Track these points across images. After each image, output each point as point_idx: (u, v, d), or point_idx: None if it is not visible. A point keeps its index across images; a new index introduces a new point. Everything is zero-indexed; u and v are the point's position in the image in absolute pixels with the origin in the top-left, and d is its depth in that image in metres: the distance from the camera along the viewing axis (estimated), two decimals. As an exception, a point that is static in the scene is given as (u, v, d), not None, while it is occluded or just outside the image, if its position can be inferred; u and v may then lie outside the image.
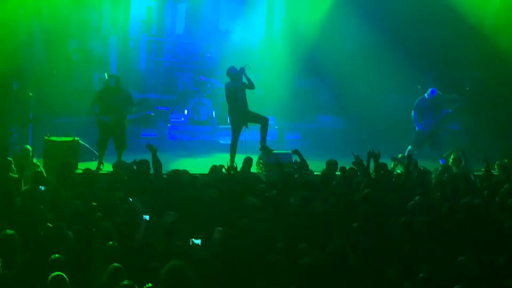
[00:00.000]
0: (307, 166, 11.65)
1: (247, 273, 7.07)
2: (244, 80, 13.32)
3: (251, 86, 13.37)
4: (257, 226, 8.15)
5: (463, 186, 10.42)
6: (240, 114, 13.30)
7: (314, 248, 7.45)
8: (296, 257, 7.14)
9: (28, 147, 12.36)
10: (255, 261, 7.13)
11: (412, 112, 14.78)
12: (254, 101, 14.19)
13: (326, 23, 18.65)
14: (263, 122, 13.52)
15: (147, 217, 8.16)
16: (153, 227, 8.01)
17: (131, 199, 9.11)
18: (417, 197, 9.45)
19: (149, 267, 6.70)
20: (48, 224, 7.65)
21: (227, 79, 13.52)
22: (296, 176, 10.98)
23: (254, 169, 12.83)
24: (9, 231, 7.14)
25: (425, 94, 14.72)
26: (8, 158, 11.03)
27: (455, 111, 14.85)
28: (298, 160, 11.90)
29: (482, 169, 11.48)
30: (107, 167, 12.74)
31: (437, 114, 14.61)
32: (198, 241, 7.49)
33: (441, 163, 13.66)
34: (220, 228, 7.86)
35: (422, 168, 11.64)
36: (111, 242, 7.12)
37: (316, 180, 10.78)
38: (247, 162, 11.99)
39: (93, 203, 8.73)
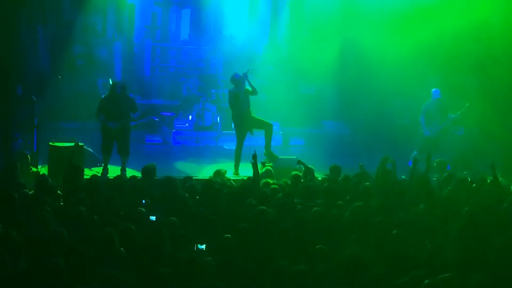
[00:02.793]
0: (312, 172, 11.60)
1: (252, 278, 7.04)
2: (247, 86, 13.32)
3: (254, 92, 13.38)
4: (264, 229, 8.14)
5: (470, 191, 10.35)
6: (244, 119, 13.31)
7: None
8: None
9: (26, 152, 12.37)
10: (261, 267, 7.10)
11: (420, 117, 14.77)
12: (259, 106, 14.20)
13: (330, 27, 18.67)
14: (267, 127, 13.52)
15: (153, 218, 8.14)
16: (159, 230, 7.98)
17: (144, 201, 9.12)
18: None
19: (157, 272, 6.67)
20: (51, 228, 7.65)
21: (231, 85, 13.53)
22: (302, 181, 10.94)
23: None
24: (14, 235, 7.14)
25: (430, 98, 14.73)
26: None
27: (461, 116, 14.81)
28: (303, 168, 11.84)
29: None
30: (112, 173, 12.75)
31: (443, 119, 14.59)
32: (202, 247, 7.47)
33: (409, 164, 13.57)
34: (229, 236, 7.79)
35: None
36: (114, 247, 7.10)
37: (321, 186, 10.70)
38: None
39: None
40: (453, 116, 14.66)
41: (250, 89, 13.34)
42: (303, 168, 11.66)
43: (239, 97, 13.26)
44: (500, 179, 11.12)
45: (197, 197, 9.82)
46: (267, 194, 9.77)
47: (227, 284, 6.87)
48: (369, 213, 8.86)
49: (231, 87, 13.51)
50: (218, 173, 11.15)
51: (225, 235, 7.80)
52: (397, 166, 12.05)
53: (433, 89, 14.84)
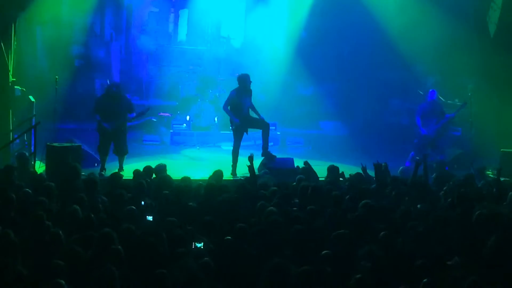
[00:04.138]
0: (317, 178, 11.58)
1: (251, 278, 7.04)
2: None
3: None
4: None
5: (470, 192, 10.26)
6: (242, 120, 13.31)
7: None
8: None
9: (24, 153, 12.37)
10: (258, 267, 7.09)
11: (416, 118, 14.75)
12: (257, 107, 14.20)
13: (328, 29, 18.69)
14: (264, 127, 13.51)
15: (150, 218, 8.13)
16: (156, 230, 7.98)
17: (143, 202, 9.10)
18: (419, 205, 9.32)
19: (155, 273, 6.66)
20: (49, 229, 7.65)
21: (230, 85, 13.53)
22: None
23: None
24: (10, 236, 7.14)
25: (426, 99, 14.74)
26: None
27: (458, 116, 14.81)
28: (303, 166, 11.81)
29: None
30: (109, 173, 12.75)
31: (440, 119, 14.59)
32: (200, 245, 7.45)
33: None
34: (229, 238, 7.77)
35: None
36: (113, 246, 7.09)
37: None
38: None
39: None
40: (449, 115, 14.66)
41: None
42: (300, 169, 11.69)
43: (241, 99, 13.28)
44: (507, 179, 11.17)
45: (195, 197, 9.83)
46: (265, 196, 9.77)
47: (225, 285, 6.88)
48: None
49: (236, 87, 13.49)
50: (216, 174, 11.14)
51: (223, 236, 7.81)
52: (396, 167, 12.13)
53: (430, 90, 14.86)
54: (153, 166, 11.30)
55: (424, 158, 11.25)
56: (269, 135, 13.64)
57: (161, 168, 11.18)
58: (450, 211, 9.09)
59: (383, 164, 10.98)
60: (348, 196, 9.70)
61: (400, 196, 9.92)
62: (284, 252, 7.51)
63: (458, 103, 15.55)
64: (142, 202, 9.26)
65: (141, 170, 11.11)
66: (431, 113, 14.60)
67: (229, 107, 13.37)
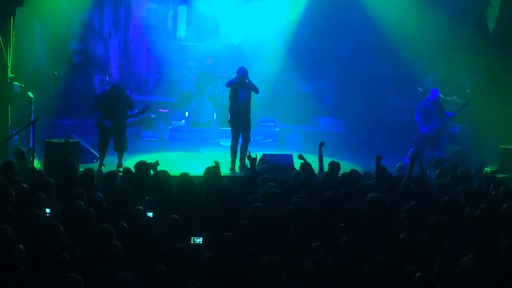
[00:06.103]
0: (312, 169, 11.58)
1: (248, 274, 7.04)
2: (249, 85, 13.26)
3: (255, 89, 13.35)
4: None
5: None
6: (238, 115, 13.29)
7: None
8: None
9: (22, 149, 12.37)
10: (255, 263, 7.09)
11: (416, 115, 14.71)
12: (256, 104, 14.20)
13: (327, 26, 18.69)
14: (244, 140, 13.41)
15: (150, 214, 8.11)
16: (156, 227, 7.98)
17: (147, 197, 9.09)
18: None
19: (154, 268, 6.66)
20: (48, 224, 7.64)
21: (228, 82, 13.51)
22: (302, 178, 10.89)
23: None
24: (8, 232, 7.13)
25: (427, 97, 14.69)
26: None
27: (459, 114, 14.78)
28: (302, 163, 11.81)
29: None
30: (108, 169, 12.72)
31: (440, 117, 14.56)
32: (199, 240, 7.45)
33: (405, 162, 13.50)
34: (230, 234, 7.77)
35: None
36: (112, 242, 7.09)
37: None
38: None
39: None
40: (450, 114, 14.64)
41: (250, 86, 13.35)
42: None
43: (237, 91, 13.27)
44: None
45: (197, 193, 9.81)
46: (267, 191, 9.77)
47: (224, 281, 6.89)
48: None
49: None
50: (210, 170, 11.09)
51: (224, 232, 7.80)
52: (394, 163, 12.12)
53: (432, 89, 14.81)
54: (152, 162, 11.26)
55: (413, 158, 11.25)
56: (248, 147, 13.46)
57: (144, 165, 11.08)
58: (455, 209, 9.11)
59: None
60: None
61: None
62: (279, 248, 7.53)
63: (457, 100, 15.55)
64: (146, 197, 9.26)
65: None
66: (432, 112, 14.55)
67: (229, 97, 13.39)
